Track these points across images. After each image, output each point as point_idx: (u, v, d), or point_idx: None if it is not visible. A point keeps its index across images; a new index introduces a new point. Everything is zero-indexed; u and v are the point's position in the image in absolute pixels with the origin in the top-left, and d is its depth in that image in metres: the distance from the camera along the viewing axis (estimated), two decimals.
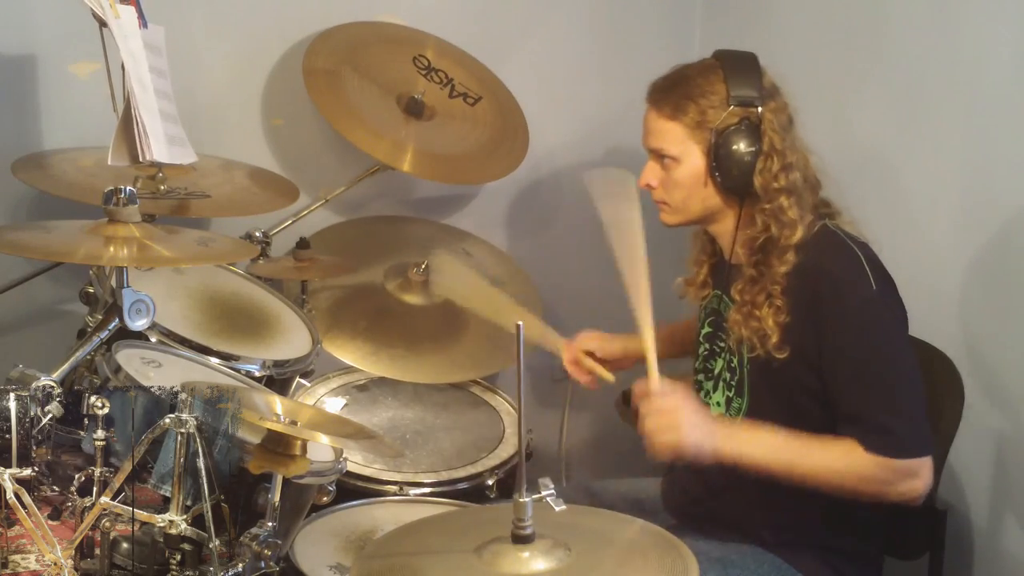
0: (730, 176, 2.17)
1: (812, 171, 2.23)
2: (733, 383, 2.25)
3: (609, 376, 2.48)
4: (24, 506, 1.82)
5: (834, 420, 2.13)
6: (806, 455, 2.09)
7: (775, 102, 2.19)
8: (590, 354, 2.50)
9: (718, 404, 2.28)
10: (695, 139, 2.18)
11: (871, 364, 2.10)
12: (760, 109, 2.16)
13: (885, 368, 2.10)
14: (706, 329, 2.34)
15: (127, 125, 2.27)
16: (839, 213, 2.24)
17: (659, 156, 2.23)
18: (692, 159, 2.20)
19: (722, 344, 2.28)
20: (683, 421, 2.07)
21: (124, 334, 2.10)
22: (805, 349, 2.13)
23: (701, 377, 2.34)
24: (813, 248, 2.16)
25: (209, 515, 1.84)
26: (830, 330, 2.10)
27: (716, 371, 2.30)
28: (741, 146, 2.16)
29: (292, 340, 2.56)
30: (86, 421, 2.01)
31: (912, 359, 2.14)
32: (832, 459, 2.09)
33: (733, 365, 2.24)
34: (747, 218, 2.20)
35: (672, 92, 2.21)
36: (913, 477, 2.08)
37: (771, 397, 2.19)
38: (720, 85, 2.17)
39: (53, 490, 2.10)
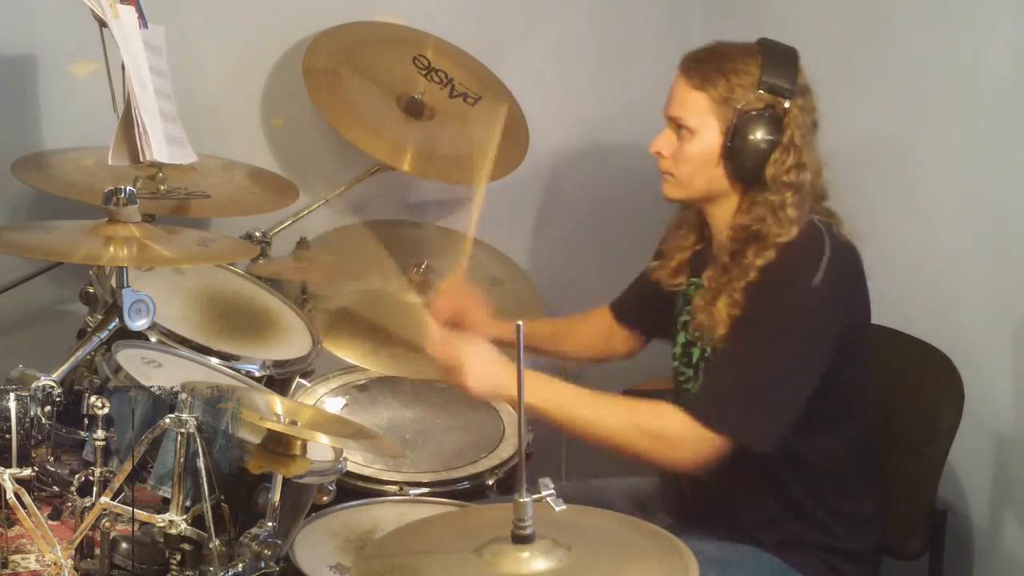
0: (742, 161, 2.15)
1: (821, 181, 2.22)
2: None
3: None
4: (24, 506, 1.82)
5: (812, 422, 2.11)
6: (588, 404, 2.09)
7: (804, 100, 2.17)
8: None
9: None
10: (717, 115, 2.16)
11: (755, 341, 2.08)
12: (788, 103, 2.14)
13: (766, 350, 2.07)
14: (684, 317, 2.33)
15: (127, 125, 2.27)
16: (842, 223, 2.22)
17: (677, 126, 2.21)
18: (709, 134, 2.18)
19: (698, 333, 2.27)
20: (466, 368, 2.07)
21: (124, 334, 2.10)
22: None
23: (680, 363, 2.33)
24: (785, 245, 2.14)
25: (209, 515, 1.84)
26: (749, 304, 2.09)
27: (695, 359, 2.29)
28: (760, 133, 2.14)
29: (292, 340, 2.56)
30: (86, 421, 2.01)
31: (802, 365, 2.09)
32: (617, 409, 2.08)
33: (707, 355, 2.24)
34: (745, 206, 2.19)
35: (705, 63, 2.19)
36: (706, 445, 2.05)
37: None
38: (755, 68, 2.15)
39: (53, 490, 2.09)
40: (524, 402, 1.93)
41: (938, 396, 2.30)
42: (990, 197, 2.53)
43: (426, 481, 2.57)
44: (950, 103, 2.61)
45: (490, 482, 2.61)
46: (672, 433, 2.07)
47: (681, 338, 2.35)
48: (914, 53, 2.71)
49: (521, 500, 1.57)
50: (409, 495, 2.53)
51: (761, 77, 2.14)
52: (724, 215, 2.23)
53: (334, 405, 2.77)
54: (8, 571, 1.96)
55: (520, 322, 1.59)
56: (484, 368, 2.10)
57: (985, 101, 2.54)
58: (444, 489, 2.56)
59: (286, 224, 2.95)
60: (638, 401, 2.12)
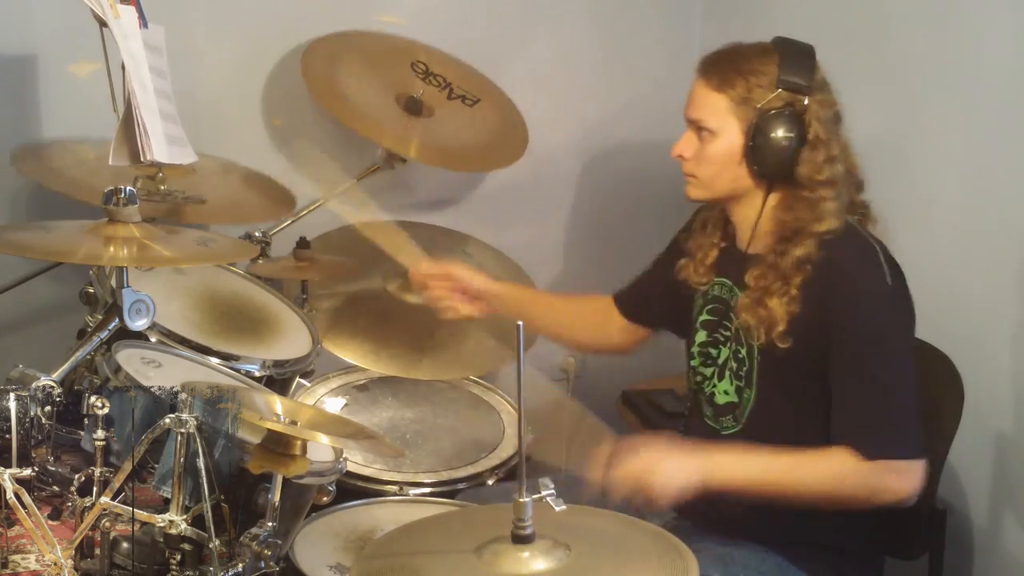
0: (764, 159, 2.16)
1: (857, 171, 2.23)
2: (742, 373, 2.23)
3: (468, 311, 2.52)
4: (24, 506, 1.82)
5: (816, 423, 2.12)
6: (794, 472, 2.09)
7: (823, 95, 2.19)
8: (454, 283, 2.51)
9: (725, 392, 2.27)
10: (737, 115, 2.17)
11: (872, 358, 2.10)
12: (807, 99, 2.15)
13: (886, 364, 2.11)
14: (705, 316, 2.33)
15: (128, 125, 2.27)
16: (876, 221, 2.25)
17: (697, 128, 2.22)
18: (730, 135, 2.19)
19: (727, 333, 2.27)
20: (657, 474, 2.06)
21: (124, 334, 2.10)
22: (817, 341, 2.13)
23: (698, 362, 2.33)
24: (834, 242, 2.16)
25: (209, 515, 1.84)
26: (839, 319, 2.10)
27: (721, 360, 2.29)
28: (781, 131, 2.15)
29: (292, 340, 2.56)
30: (86, 421, 2.01)
31: (911, 361, 2.14)
32: (821, 472, 2.08)
33: (741, 355, 2.23)
34: (782, 206, 2.20)
35: (723, 64, 2.20)
36: (902, 477, 2.07)
37: (780, 388, 2.18)
38: (772, 67, 2.16)
39: (53, 490, 2.09)
40: (729, 479, 2.07)
41: (938, 396, 2.30)
42: (990, 197, 2.53)
43: (426, 481, 2.58)
44: (951, 103, 2.61)
45: (490, 482, 2.61)
46: (862, 481, 2.07)
47: (700, 337, 2.34)
48: (914, 53, 2.71)
49: (521, 500, 1.57)
50: (409, 495, 2.53)
51: (779, 76, 2.16)
52: (749, 213, 2.24)
53: (334, 405, 2.77)
54: (8, 571, 1.96)
55: (520, 322, 1.59)
56: (672, 465, 2.08)
57: (985, 101, 2.53)
58: (444, 489, 2.56)
59: (286, 224, 2.95)
60: (818, 456, 2.09)
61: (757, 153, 2.17)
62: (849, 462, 2.07)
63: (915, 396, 2.13)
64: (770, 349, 2.16)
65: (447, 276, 2.52)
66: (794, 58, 2.18)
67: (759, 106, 2.15)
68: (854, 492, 2.09)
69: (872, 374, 2.10)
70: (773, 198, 2.21)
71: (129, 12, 2.33)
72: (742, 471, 2.11)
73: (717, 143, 2.20)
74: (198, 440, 1.83)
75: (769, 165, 2.17)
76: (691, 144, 2.24)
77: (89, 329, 2.31)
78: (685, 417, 2.44)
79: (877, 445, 2.06)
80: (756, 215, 2.23)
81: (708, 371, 2.32)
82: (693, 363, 2.35)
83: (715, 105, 2.19)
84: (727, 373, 2.27)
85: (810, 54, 2.21)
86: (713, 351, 2.31)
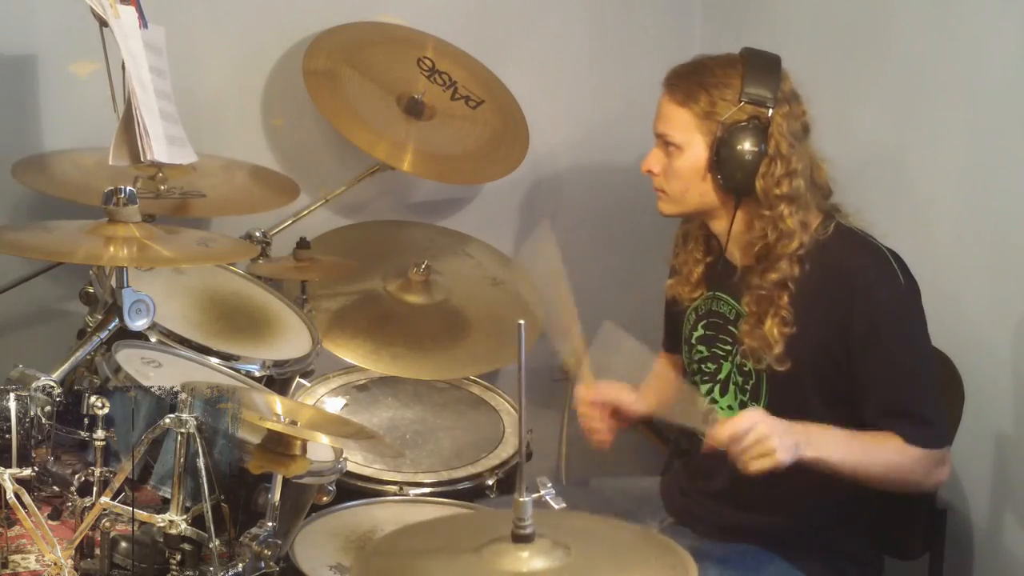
0: (730, 173, 2.15)
1: (824, 178, 2.22)
2: (748, 387, 2.22)
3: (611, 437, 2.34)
4: (24, 506, 1.82)
5: (850, 421, 2.12)
6: (870, 451, 2.09)
7: (790, 107, 2.16)
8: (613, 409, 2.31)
9: (729, 408, 2.26)
10: (701, 129, 2.16)
11: (908, 357, 2.13)
12: (771, 111, 2.14)
13: (919, 361, 2.15)
14: (699, 332, 2.32)
15: (128, 125, 2.27)
16: (848, 215, 2.23)
17: (664, 143, 2.21)
18: (695, 149, 2.18)
19: (726, 348, 2.26)
20: (776, 445, 1.99)
21: (124, 334, 2.10)
22: (831, 351, 2.12)
23: (696, 379, 2.32)
24: (836, 247, 2.15)
25: (209, 515, 1.84)
26: (862, 324, 2.10)
27: (721, 375, 2.28)
28: (745, 144, 2.13)
29: (292, 340, 2.56)
30: (86, 421, 2.01)
31: (932, 352, 2.22)
32: (889, 454, 2.10)
33: (747, 369, 2.22)
34: (745, 221, 2.19)
35: (687, 78, 2.19)
36: (943, 465, 2.15)
37: (790, 402, 2.16)
38: (736, 80, 2.15)
39: (53, 490, 2.09)
40: (823, 453, 2.04)
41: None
42: (990, 199, 2.53)
43: (426, 481, 2.58)
44: (950, 106, 2.61)
45: (490, 482, 2.61)
46: (918, 467, 2.13)
47: (698, 353, 2.33)
48: (915, 54, 2.71)
49: (521, 500, 1.57)
50: (409, 495, 2.53)
51: (743, 88, 2.14)
52: (724, 227, 2.23)
53: (334, 405, 2.77)
54: (8, 571, 1.96)
55: (521, 321, 1.58)
56: (787, 446, 2.02)
57: (985, 104, 2.53)
58: (444, 489, 2.56)
59: (286, 224, 2.95)
60: (882, 439, 2.11)
61: (722, 167, 2.15)
62: (905, 448, 2.10)
63: (937, 385, 2.19)
64: (773, 370, 2.16)
65: (608, 404, 2.30)
66: (759, 70, 2.16)
67: (723, 119, 2.14)
68: (910, 477, 2.12)
69: (906, 369, 2.12)
70: (741, 213, 2.20)
71: (129, 12, 2.34)
72: (832, 446, 2.07)
73: (683, 158, 2.19)
74: (198, 440, 1.84)
75: (734, 179, 2.15)
76: (659, 159, 2.23)
77: (89, 329, 2.31)
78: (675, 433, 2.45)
79: (922, 437, 2.10)
80: (730, 229, 2.21)
81: (706, 387, 2.30)
82: (693, 379, 2.34)
83: (680, 119, 2.18)
84: (731, 388, 2.26)
85: (776, 65, 2.19)
86: (711, 366, 2.29)
